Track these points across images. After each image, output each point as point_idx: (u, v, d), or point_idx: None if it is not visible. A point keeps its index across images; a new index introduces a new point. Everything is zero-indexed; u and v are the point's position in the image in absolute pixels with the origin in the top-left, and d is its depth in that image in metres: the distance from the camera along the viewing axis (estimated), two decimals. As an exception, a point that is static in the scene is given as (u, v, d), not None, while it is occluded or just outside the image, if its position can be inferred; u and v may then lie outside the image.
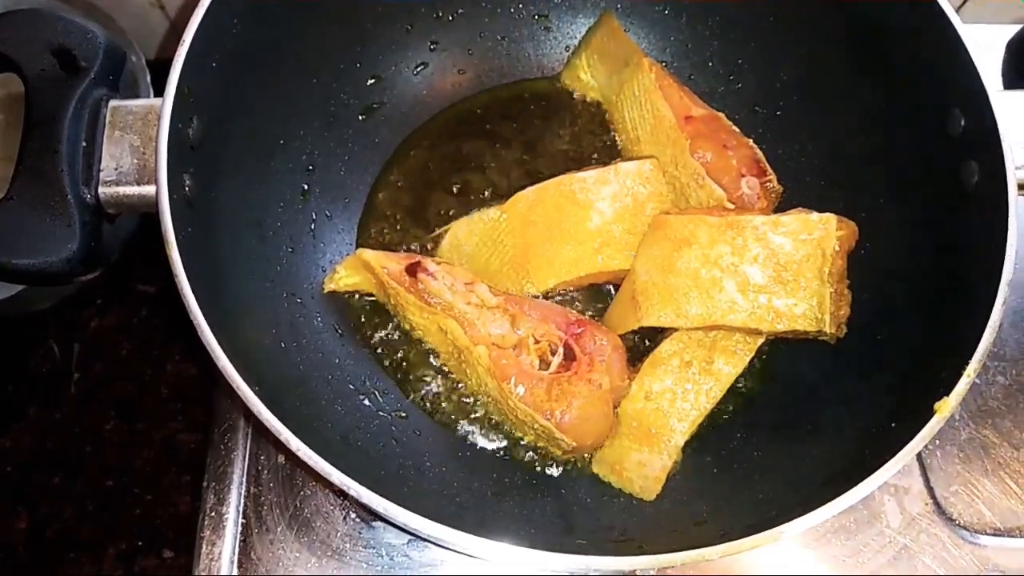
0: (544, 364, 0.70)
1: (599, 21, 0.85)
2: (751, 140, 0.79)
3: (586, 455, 0.72)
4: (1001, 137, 0.61)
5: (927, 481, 0.80)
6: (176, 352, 1.05)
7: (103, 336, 1.05)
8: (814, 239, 0.67)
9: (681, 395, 0.72)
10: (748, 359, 0.73)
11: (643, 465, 0.70)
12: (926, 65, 0.66)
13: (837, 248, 0.66)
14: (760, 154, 0.77)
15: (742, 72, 0.84)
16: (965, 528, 0.78)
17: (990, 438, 0.82)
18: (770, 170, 0.77)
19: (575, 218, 0.76)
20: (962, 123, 0.64)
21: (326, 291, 0.76)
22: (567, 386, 0.68)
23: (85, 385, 1.02)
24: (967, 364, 0.55)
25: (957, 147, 0.64)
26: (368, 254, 0.74)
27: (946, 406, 0.54)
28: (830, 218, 0.67)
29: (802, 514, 0.52)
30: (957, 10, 0.97)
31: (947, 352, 0.58)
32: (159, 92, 0.94)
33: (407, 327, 0.76)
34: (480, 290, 0.72)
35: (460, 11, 0.85)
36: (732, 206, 0.75)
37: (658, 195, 0.77)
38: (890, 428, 0.58)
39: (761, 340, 0.73)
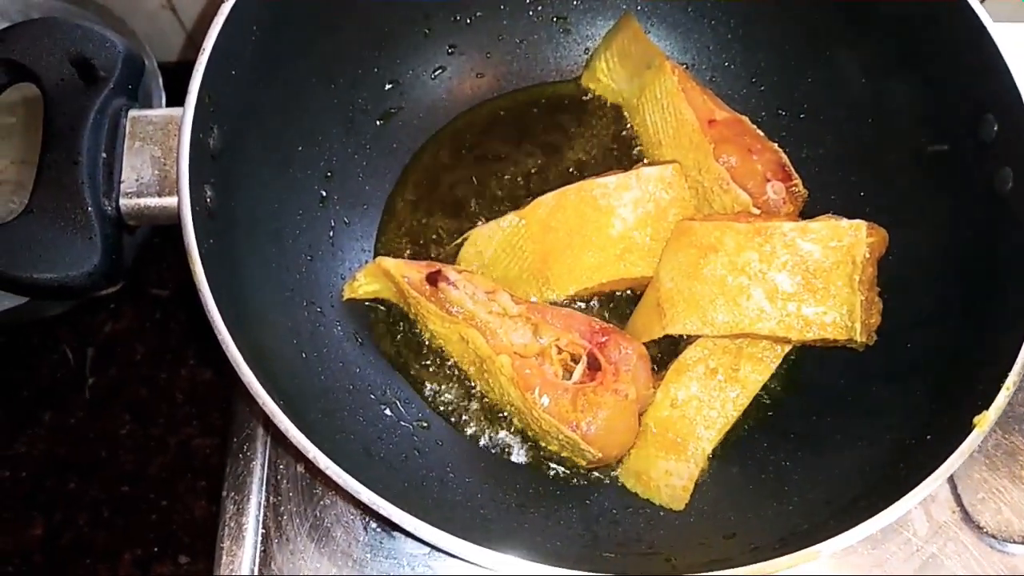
0: (567, 373, 0.69)
1: (619, 23, 0.84)
2: (775, 144, 0.77)
3: (613, 465, 0.72)
4: (1036, 142, 0.60)
5: (954, 489, 0.78)
6: (190, 356, 1.04)
7: (117, 340, 1.05)
8: (844, 246, 0.66)
9: (707, 402, 0.71)
10: (775, 366, 0.72)
11: (670, 474, 0.69)
12: (959, 69, 0.65)
13: (868, 255, 0.65)
14: (785, 158, 0.76)
15: (765, 74, 0.83)
16: (993, 536, 0.77)
17: (1018, 445, 0.81)
18: (795, 174, 0.76)
19: (596, 224, 0.75)
20: (995, 129, 0.63)
21: (345, 299, 0.76)
22: (592, 396, 0.67)
23: (99, 390, 1.02)
24: (1006, 376, 0.54)
25: (990, 153, 0.63)
26: (388, 262, 0.73)
27: (986, 420, 0.53)
28: (860, 224, 0.66)
29: (838, 531, 0.50)
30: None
31: (983, 363, 0.57)
32: (170, 95, 0.96)
33: (427, 336, 0.75)
34: (502, 298, 0.71)
35: (478, 14, 0.83)
36: (758, 211, 0.73)
37: (681, 200, 0.76)
38: (925, 441, 0.57)
39: (788, 348, 0.72)
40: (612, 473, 0.72)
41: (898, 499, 0.50)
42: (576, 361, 0.69)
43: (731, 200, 0.75)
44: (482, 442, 0.73)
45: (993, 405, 0.53)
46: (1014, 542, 0.77)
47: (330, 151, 0.78)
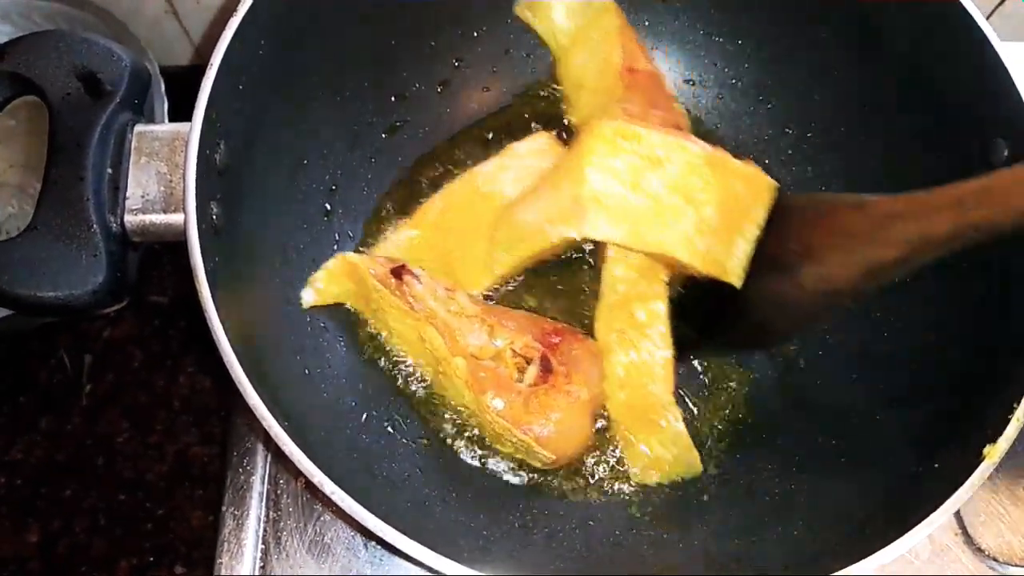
0: (521, 375, 0.70)
1: None
2: (683, 108, 0.79)
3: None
4: (1047, 169, 0.59)
5: (956, 513, 0.78)
6: (189, 363, 1.03)
7: (115, 347, 1.04)
8: (762, 196, 0.68)
9: (645, 360, 0.71)
10: (666, 294, 0.72)
11: (665, 447, 0.70)
12: (970, 94, 0.65)
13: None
14: (686, 124, 0.77)
15: (772, 93, 0.83)
16: (994, 559, 0.77)
17: (1019, 468, 0.81)
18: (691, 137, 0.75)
19: (487, 212, 0.75)
20: (1006, 153, 0.63)
21: (306, 307, 0.72)
22: (545, 399, 0.67)
23: (97, 397, 1.01)
24: (1016, 406, 0.53)
25: (1002, 178, 0.63)
26: (354, 256, 0.72)
27: (996, 451, 0.52)
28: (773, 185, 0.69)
29: (846, 562, 0.50)
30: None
31: (993, 389, 0.57)
32: (172, 101, 0.95)
33: (386, 336, 0.74)
34: (460, 298, 0.71)
35: (484, 28, 0.83)
36: None
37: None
38: (933, 469, 0.57)
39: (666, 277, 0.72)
40: (612, 494, 0.72)
41: (906, 532, 0.50)
42: (530, 363, 0.70)
43: None
44: (480, 461, 0.72)
45: (1003, 436, 0.53)
46: (1015, 565, 0.77)
47: (335, 164, 0.78)
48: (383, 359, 0.75)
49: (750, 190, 0.69)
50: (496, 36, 0.84)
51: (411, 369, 0.74)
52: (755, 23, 0.80)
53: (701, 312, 0.73)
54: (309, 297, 0.72)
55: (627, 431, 0.72)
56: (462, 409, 0.72)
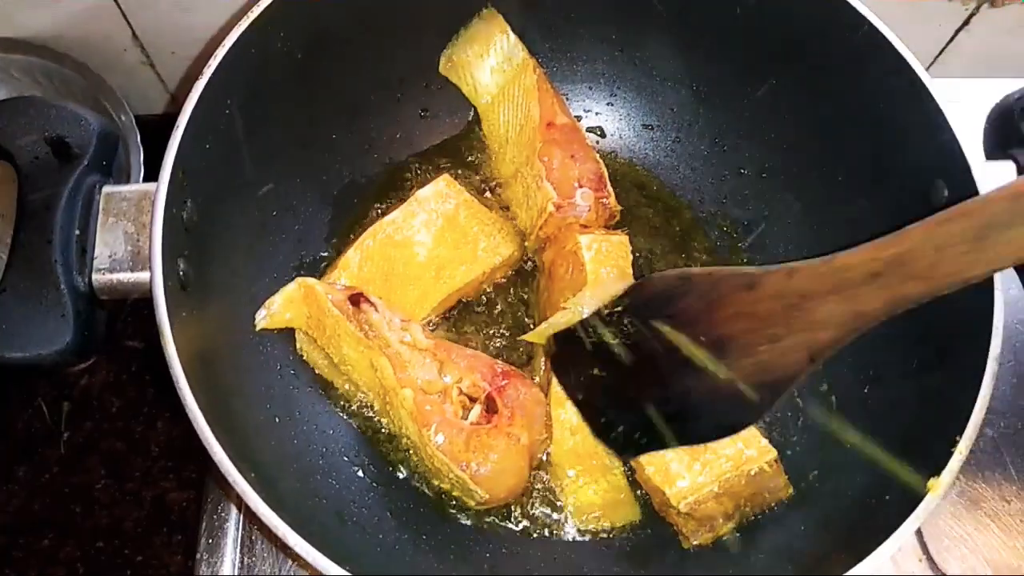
0: (466, 413, 0.71)
1: (484, 17, 0.83)
2: (598, 157, 0.81)
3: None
4: (984, 208, 0.62)
5: (920, 536, 0.80)
6: (166, 408, 1.04)
7: (92, 394, 1.04)
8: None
9: None
10: None
11: (611, 492, 0.72)
12: (911, 139, 0.67)
13: None
14: (604, 172, 0.80)
15: (727, 135, 0.85)
16: (959, 583, 0.79)
17: (980, 491, 0.83)
18: (610, 188, 0.80)
19: (404, 259, 0.78)
20: (945, 194, 0.65)
21: (259, 328, 0.72)
22: (486, 438, 0.68)
23: (74, 444, 1.01)
24: (957, 440, 0.55)
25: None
26: (311, 281, 0.73)
27: (939, 485, 0.54)
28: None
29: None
30: (930, 65, 1.01)
31: (939, 425, 0.58)
32: (147, 150, 0.96)
33: (336, 360, 0.74)
34: (414, 330, 0.73)
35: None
36: (554, 209, 0.78)
37: (464, 203, 0.81)
38: (884, 501, 0.58)
39: None
40: (574, 533, 0.73)
41: (858, 562, 0.52)
42: (474, 402, 0.71)
43: (542, 197, 0.79)
44: (448, 504, 0.74)
45: (946, 470, 0.54)
46: (979, 588, 0.79)
47: (305, 215, 0.79)
48: (352, 406, 0.76)
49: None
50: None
51: (377, 417, 0.76)
52: (707, 70, 0.83)
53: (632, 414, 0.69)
54: (263, 319, 0.73)
55: (569, 476, 0.73)
56: (404, 441, 0.73)
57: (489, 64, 0.84)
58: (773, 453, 0.68)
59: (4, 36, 0.98)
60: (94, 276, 0.59)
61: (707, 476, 0.67)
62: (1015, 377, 0.88)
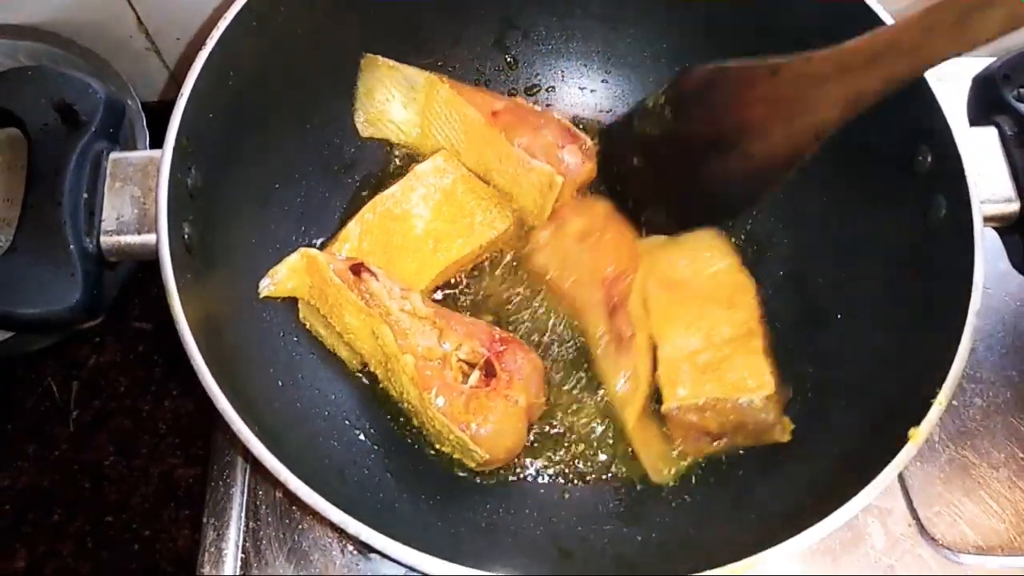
0: (465, 379, 0.73)
1: (364, 65, 0.84)
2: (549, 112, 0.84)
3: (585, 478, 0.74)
4: (966, 172, 0.63)
5: (910, 503, 0.81)
6: (173, 387, 1.05)
7: (101, 373, 1.05)
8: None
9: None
10: None
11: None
12: (896, 107, 0.68)
13: None
14: (567, 123, 0.82)
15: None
16: (948, 548, 0.80)
17: (969, 459, 0.84)
18: (582, 134, 0.82)
19: (402, 232, 0.80)
20: (929, 160, 0.67)
21: (263, 296, 0.74)
22: (485, 400, 0.70)
23: (83, 422, 1.03)
24: (936, 392, 0.57)
25: (925, 183, 0.67)
26: (314, 252, 0.75)
27: (919, 434, 0.56)
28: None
29: (783, 539, 0.53)
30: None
31: (921, 379, 0.60)
32: (154, 135, 0.98)
33: (338, 329, 0.76)
34: (414, 299, 0.75)
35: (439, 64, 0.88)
36: (561, 179, 0.79)
37: (462, 178, 0.83)
38: (868, 455, 0.60)
39: None
40: (574, 490, 0.75)
41: (845, 503, 0.53)
42: (473, 367, 0.73)
43: (536, 177, 0.80)
44: (453, 465, 0.75)
45: (925, 419, 0.56)
46: (968, 553, 0.80)
47: (306, 189, 0.81)
48: (353, 372, 0.78)
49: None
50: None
51: (379, 383, 0.78)
52: (697, 46, 0.83)
53: (664, 197, 0.80)
54: (266, 287, 0.74)
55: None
56: (405, 406, 0.75)
57: (398, 102, 0.85)
58: (768, 390, 0.72)
59: (11, 22, 1.00)
60: (102, 238, 0.61)
61: (702, 391, 0.73)
62: (1004, 348, 0.89)
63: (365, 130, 0.86)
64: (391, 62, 0.84)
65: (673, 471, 0.74)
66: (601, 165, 0.84)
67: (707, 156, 0.72)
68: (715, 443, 0.73)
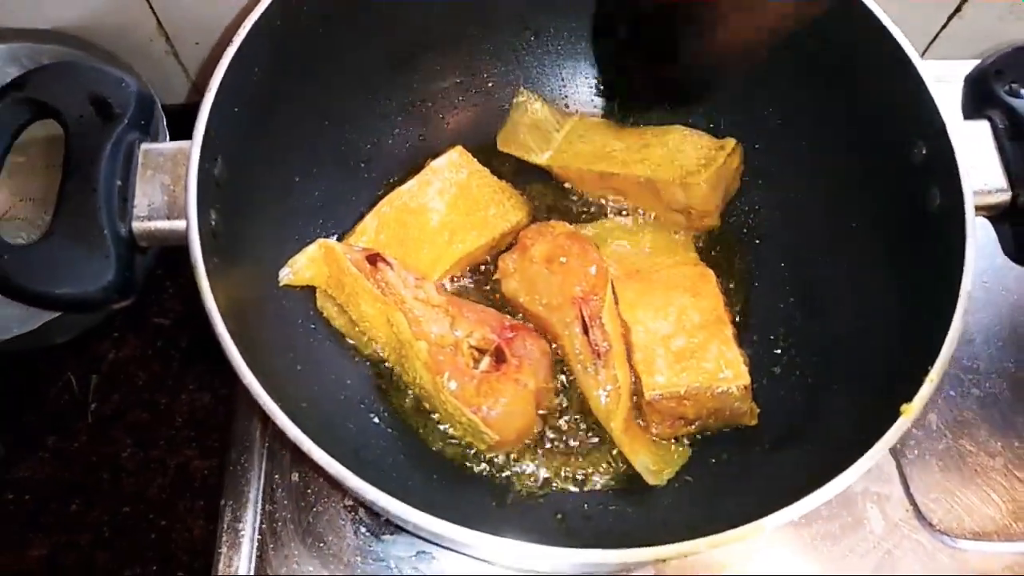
0: (476, 364, 0.76)
1: (517, 104, 0.91)
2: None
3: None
4: (959, 164, 0.66)
5: (907, 489, 0.83)
6: (190, 382, 1.07)
7: (120, 367, 1.07)
8: None
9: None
10: None
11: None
12: (893, 102, 0.72)
13: None
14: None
15: (722, 105, 0.90)
16: (945, 534, 0.82)
17: (967, 447, 0.86)
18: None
19: (418, 225, 0.83)
20: (924, 152, 0.70)
21: (283, 284, 0.77)
22: (495, 384, 0.73)
23: (102, 415, 1.04)
24: (928, 369, 0.59)
25: (920, 174, 0.70)
26: (331, 242, 0.78)
27: (911, 409, 0.58)
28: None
29: (778, 508, 0.56)
30: (925, 49, 1.05)
31: (916, 360, 0.62)
32: (174, 136, 1.01)
33: (354, 317, 0.79)
34: (427, 287, 0.77)
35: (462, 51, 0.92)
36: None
37: (476, 173, 0.86)
38: (861, 434, 0.62)
39: None
40: (578, 481, 0.77)
41: (838, 474, 0.56)
42: (484, 353, 0.76)
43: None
44: (463, 453, 0.78)
45: (917, 395, 0.58)
46: (965, 538, 0.82)
47: (326, 182, 0.84)
48: (368, 358, 0.81)
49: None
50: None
51: (393, 368, 0.80)
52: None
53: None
54: (286, 276, 0.77)
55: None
56: (418, 390, 0.77)
57: (539, 137, 0.91)
58: (745, 380, 0.75)
59: (35, 27, 1.02)
60: (134, 224, 0.64)
61: (681, 379, 0.75)
62: (1000, 341, 0.92)
63: (505, 145, 0.91)
64: (540, 103, 0.91)
65: (666, 472, 0.76)
66: (596, 36, 0.89)
67: (691, 32, 0.76)
68: (688, 427, 0.76)
